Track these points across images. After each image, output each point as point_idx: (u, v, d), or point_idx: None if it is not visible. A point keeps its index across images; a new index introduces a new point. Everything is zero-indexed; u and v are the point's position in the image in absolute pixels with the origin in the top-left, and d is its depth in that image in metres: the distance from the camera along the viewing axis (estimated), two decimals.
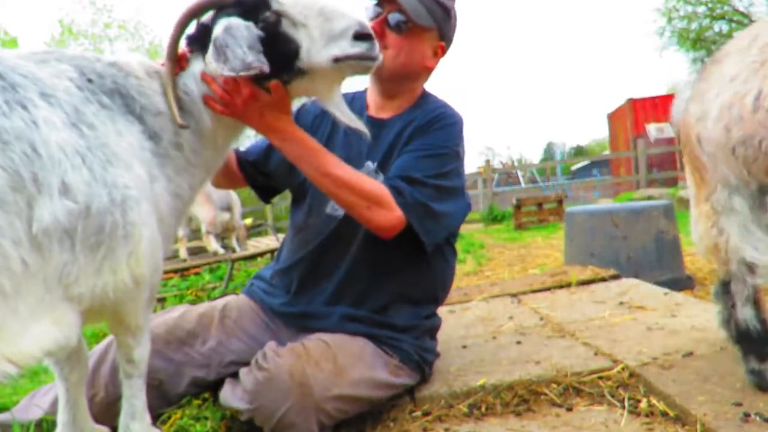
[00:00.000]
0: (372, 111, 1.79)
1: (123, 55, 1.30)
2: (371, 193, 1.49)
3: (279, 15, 1.27)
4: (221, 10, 1.28)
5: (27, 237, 0.93)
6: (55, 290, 0.99)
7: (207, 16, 1.31)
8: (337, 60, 1.28)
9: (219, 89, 1.30)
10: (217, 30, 1.23)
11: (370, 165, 1.69)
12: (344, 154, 1.68)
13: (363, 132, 1.44)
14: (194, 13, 1.29)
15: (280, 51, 1.27)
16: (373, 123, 1.73)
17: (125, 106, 1.19)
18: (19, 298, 0.92)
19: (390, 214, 1.50)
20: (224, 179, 1.89)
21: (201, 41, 1.30)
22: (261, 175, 1.87)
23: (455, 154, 1.65)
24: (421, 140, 1.63)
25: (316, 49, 1.27)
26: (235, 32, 1.21)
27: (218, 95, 1.31)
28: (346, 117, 1.40)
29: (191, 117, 1.31)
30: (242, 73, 1.19)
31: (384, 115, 1.76)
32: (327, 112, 1.77)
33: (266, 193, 1.93)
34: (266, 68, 1.21)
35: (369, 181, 1.52)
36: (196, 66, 1.32)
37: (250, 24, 1.23)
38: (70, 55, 1.17)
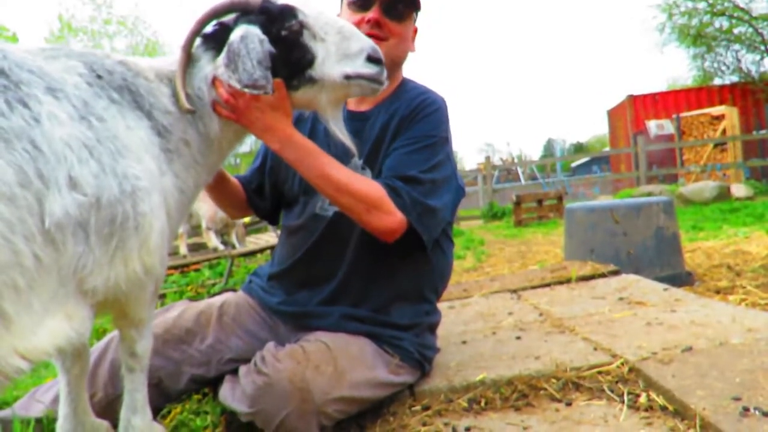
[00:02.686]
0: (351, 104, 1.78)
1: (132, 58, 1.32)
2: (371, 197, 1.48)
3: (302, 26, 1.32)
4: (246, 15, 1.31)
5: (39, 232, 0.93)
6: (69, 284, 1.00)
7: (229, 17, 1.33)
8: (348, 77, 1.33)
9: (224, 93, 1.31)
10: (235, 35, 1.26)
11: (357, 161, 1.68)
12: (329, 151, 1.68)
13: (352, 150, 1.48)
14: (219, 12, 1.32)
15: (297, 58, 1.32)
16: (354, 117, 1.73)
17: (134, 102, 1.20)
18: (33, 293, 0.93)
19: (390, 218, 1.49)
20: (237, 211, 1.93)
21: (217, 40, 1.32)
22: (262, 200, 1.89)
23: (444, 141, 1.65)
24: (408, 133, 1.63)
25: (330, 62, 1.33)
26: (249, 43, 1.24)
27: (223, 99, 1.32)
28: (342, 134, 1.43)
29: (201, 121, 1.34)
30: (246, 90, 1.24)
31: (363, 107, 1.75)
32: (303, 114, 1.81)
33: (272, 217, 1.95)
34: (270, 90, 1.26)
35: (368, 184, 1.51)
36: (208, 67, 1.33)
37: (265, 38, 1.27)
38: (80, 52, 1.18)
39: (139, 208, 1.09)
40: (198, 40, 1.34)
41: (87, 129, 1.04)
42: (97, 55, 1.21)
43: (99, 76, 1.15)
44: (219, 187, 1.75)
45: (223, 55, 1.26)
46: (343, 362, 1.52)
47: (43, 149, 0.95)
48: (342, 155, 1.66)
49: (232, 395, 1.51)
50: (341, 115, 1.44)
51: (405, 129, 1.64)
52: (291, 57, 1.31)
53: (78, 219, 0.98)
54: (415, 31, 1.77)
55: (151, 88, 1.26)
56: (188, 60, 1.32)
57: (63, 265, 0.97)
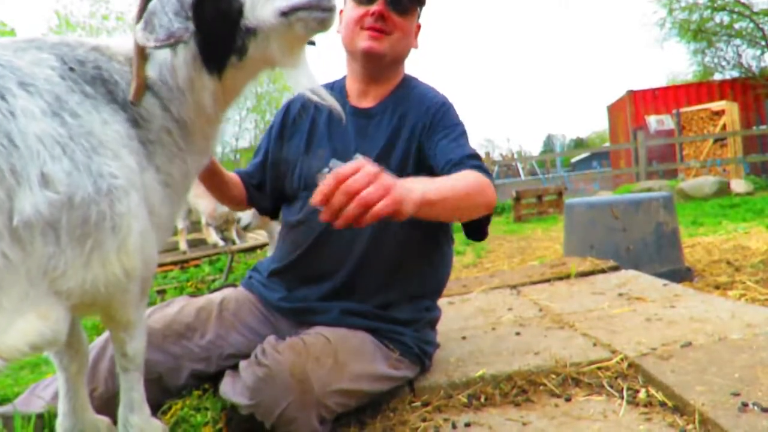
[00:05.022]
0: (353, 100, 1.76)
1: (105, 40, 1.24)
2: (477, 185, 1.42)
3: None
4: None
5: (7, 230, 0.90)
6: (40, 284, 0.97)
7: None
8: (284, 14, 1.14)
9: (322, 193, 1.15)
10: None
11: (361, 158, 1.66)
12: (330, 148, 1.66)
13: (337, 111, 1.35)
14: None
15: (224, 9, 1.17)
16: (358, 113, 1.72)
17: (109, 93, 1.15)
18: (2, 292, 0.91)
19: (491, 188, 1.47)
20: (238, 206, 1.91)
21: None
22: (263, 196, 1.87)
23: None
24: (443, 125, 1.65)
25: (260, 4, 1.16)
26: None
27: (322, 201, 1.15)
28: (313, 86, 1.28)
29: (171, 104, 1.24)
30: (166, 44, 1.10)
31: (367, 103, 1.74)
32: (305, 108, 1.76)
33: (273, 213, 1.94)
34: (187, 35, 1.12)
35: (466, 175, 1.44)
36: (161, 53, 1.21)
37: None
38: (51, 43, 1.13)
39: (117, 208, 1.05)
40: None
41: (60, 125, 1.00)
42: (69, 44, 1.15)
43: (71, 69, 1.11)
44: (215, 183, 1.73)
45: (141, 21, 1.13)
46: (344, 355, 1.52)
47: (18, 144, 0.92)
48: (345, 150, 1.65)
49: (233, 389, 1.51)
50: (306, 64, 1.28)
51: (439, 123, 1.66)
52: (218, 10, 1.16)
53: (48, 218, 0.94)
54: (419, 27, 1.76)
55: (125, 71, 1.19)
56: (144, 62, 1.20)
57: (32, 266, 0.94)
